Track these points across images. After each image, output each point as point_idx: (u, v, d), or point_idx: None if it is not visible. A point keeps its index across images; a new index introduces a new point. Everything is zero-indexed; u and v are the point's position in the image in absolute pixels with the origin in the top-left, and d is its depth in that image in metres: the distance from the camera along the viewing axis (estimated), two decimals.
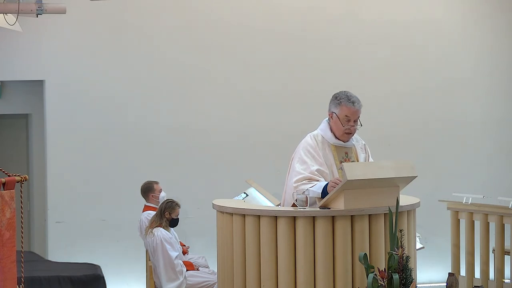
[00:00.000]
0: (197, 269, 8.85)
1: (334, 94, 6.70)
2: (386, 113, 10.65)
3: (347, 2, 10.57)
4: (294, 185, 6.51)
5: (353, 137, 6.74)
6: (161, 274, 8.54)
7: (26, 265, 5.68)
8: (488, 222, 9.16)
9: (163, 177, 9.85)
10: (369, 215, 6.26)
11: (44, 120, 10.13)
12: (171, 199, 8.84)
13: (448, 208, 9.52)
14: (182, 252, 9.01)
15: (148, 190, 9.45)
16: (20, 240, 5.26)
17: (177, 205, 8.78)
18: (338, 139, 6.67)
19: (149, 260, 8.92)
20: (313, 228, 6.22)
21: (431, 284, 10.64)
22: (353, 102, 6.58)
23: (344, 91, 6.67)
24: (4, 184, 5.01)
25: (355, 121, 6.62)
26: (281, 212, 6.29)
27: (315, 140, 6.65)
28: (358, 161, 6.74)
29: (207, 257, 9.36)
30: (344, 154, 6.71)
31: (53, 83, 10.04)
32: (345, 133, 6.63)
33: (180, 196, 9.57)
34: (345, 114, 6.58)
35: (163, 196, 9.35)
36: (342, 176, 6.25)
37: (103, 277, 8.23)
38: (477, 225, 9.28)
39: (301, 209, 6.26)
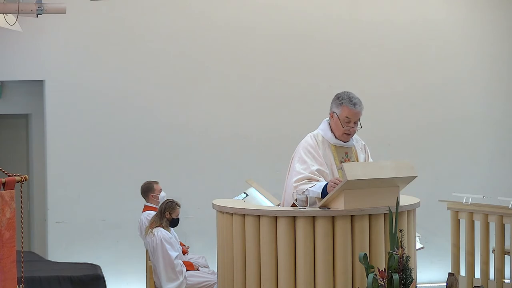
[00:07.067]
0: (197, 269, 8.85)
1: (337, 94, 6.68)
2: (386, 113, 10.65)
3: (347, 2, 10.57)
4: (294, 185, 6.50)
5: (353, 137, 6.74)
6: (161, 274, 8.53)
7: (26, 265, 5.67)
8: (488, 222, 9.16)
9: (163, 177, 9.85)
10: (369, 215, 6.26)
11: (44, 120, 10.12)
12: (171, 199, 8.83)
13: (448, 208, 9.52)
14: (182, 252, 9.01)
15: (148, 190, 9.44)
16: (20, 240, 5.26)
17: (177, 205, 8.77)
18: (338, 139, 6.67)
19: (149, 260, 8.92)
20: (313, 228, 6.22)
21: (431, 284, 10.64)
22: (354, 104, 6.57)
23: (347, 92, 6.65)
24: (4, 184, 5.01)
25: (355, 123, 6.61)
26: (281, 212, 6.29)
27: (315, 140, 6.65)
28: (358, 161, 6.74)
29: (207, 257, 9.36)
30: (344, 154, 6.71)
31: (53, 83, 10.04)
32: (344, 133, 6.63)
33: (180, 196, 9.57)
34: (345, 115, 6.57)
35: (163, 196, 9.35)
36: (342, 176, 6.25)
37: (103, 277, 8.22)
38: (477, 225, 9.27)
39: (301, 209, 6.26)
